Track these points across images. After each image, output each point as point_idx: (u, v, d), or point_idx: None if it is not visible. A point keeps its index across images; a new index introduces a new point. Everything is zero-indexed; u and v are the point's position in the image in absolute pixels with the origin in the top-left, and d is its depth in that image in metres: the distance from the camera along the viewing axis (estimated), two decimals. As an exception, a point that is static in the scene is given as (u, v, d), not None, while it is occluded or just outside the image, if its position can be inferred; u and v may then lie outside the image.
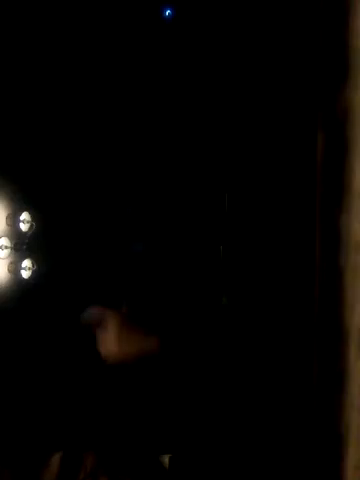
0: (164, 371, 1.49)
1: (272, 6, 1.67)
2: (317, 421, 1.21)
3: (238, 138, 1.75)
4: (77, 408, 1.66)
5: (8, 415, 1.57)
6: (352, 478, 1.16)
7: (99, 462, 1.42)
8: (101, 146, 1.87)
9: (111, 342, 1.48)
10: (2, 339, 1.66)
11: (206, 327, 1.57)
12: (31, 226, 1.76)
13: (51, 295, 1.80)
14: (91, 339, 1.56)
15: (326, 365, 1.21)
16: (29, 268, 1.75)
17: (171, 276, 1.80)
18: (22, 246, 1.74)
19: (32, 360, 1.70)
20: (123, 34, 1.86)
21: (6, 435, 1.51)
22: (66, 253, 1.84)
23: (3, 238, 1.70)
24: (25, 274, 1.74)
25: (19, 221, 1.74)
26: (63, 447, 1.45)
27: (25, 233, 1.75)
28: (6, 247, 1.70)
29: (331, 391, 1.19)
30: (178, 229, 1.83)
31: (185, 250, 1.81)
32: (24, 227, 1.75)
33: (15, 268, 1.73)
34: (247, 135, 1.73)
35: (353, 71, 1.17)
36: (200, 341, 1.52)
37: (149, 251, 1.86)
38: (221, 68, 1.79)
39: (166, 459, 1.54)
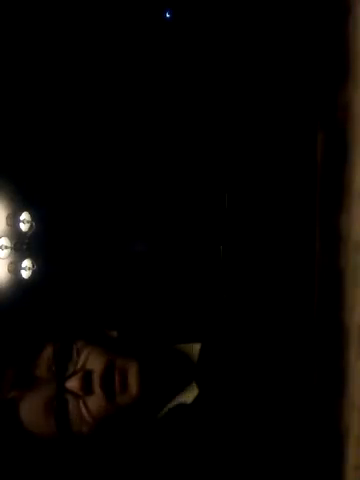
0: None
1: (273, 7, 1.66)
2: (317, 421, 1.21)
3: (238, 138, 1.75)
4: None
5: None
6: (352, 478, 1.16)
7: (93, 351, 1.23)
8: (101, 146, 1.87)
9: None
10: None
11: (206, 326, 1.57)
12: (31, 226, 1.76)
13: (51, 295, 1.80)
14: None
15: (326, 365, 1.21)
16: (29, 268, 1.75)
17: (171, 276, 1.79)
18: (22, 246, 1.74)
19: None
20: (124, 35, 1.86)
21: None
22: (66, 253, 1.84)
23: (3, 238, 1.70)
24: (25, 274, 1.74)
25: (19, 221, 1.74)
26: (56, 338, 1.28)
27: (25, 233, 1.75)
28: (6, 247, 1.70)
29: (331, 391, 1.19)
30: (178, 229, 1.83)
31: (185, 250, 1.80)
32: (24, 227, 1.75)
33: (15, 268, 1.73)
34: (247, 135, 1.73)
35: (353, 71, 1.17)
36: (201, 341, 1.52)
37: (150, 251, 1.86)
38: (222, 68, 1.79)
39: (197, 347, 1.42)
